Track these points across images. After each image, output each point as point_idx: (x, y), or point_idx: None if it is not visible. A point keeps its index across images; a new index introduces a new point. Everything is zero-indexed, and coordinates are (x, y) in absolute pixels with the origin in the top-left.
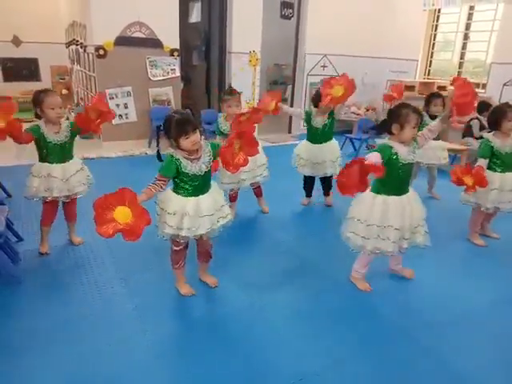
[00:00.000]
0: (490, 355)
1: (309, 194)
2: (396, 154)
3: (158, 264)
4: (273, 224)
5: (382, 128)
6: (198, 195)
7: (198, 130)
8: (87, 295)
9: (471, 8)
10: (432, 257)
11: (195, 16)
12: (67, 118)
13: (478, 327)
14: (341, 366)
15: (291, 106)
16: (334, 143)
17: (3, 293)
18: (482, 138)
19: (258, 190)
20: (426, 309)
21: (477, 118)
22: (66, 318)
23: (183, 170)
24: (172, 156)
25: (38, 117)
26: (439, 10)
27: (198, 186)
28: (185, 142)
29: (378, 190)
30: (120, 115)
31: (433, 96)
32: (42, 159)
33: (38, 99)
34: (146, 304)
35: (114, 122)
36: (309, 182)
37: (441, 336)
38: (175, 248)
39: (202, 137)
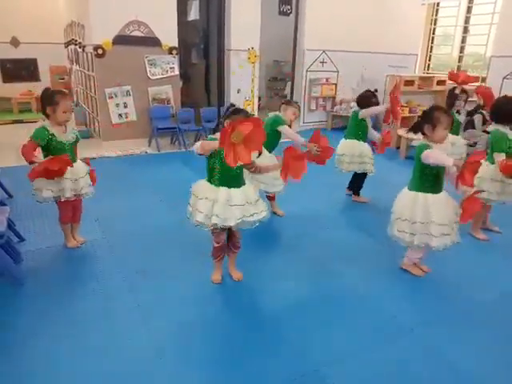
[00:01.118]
0: (493, 353)
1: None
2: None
3: (158, 262)
4: (280, 223)
5: (416, 129)
6: (230, 187)
7: None
8: (89, 294)
9: (470, 1)
10: (434, 252)
11: (193, 14)
12: None
13: (482, 324)
14: (341, 362)
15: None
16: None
17: (5, 292)
18: (484, 132)
19: (272, 195)
20: (427, 305)
21: (480, 113)
22: (67, 317)
23: (221, 155)
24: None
25: (46, 115)
26: (438, 4)
27: (230, 176)
28: None
29: (418, 189)
30: (120, 114)
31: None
32: None
33: (52, 100)
34: (148, 302)
35: (113, 121)
36: (362, 179)
37: (444, 333)
38: (216, 245)
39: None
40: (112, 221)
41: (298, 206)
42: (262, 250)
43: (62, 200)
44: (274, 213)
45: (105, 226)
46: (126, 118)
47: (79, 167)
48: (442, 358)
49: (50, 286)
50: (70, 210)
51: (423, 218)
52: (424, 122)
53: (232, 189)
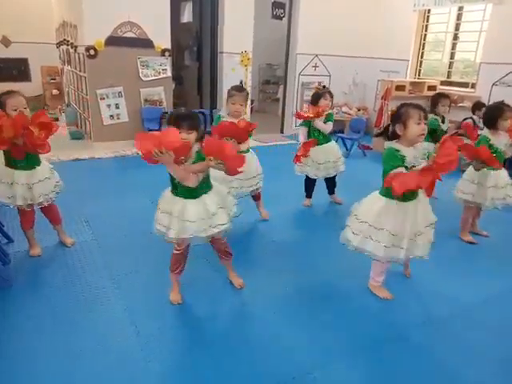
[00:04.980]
0: (482, 352)
1: (310, 195)
2: (403, 157)
3: (148, 264)
4: (267, 225)
5: (387, 133)
6: (186, 197)
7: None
8: (78, 296)
9: (460, 8)
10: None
11: (187, 16)
12: (57, 119)
13: (470, 324)
14: (332, 364)
15: (283, 105)
16: (333, 144)
17: None
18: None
19: (256, 194)
20: (417, 306)
21: (471, 118)
22: (55, 318)
23: None
24: None
25: None
26: (429, 11)
27: (187, 187)
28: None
29: (384, 194)
30: (111, 115)
31: (440, 96)
32: (8, 164)
33: (1, 102)
34: (137, 304)
35: (105, 122)
36: (310, 183)
37: (433, 334)
38: (175, 251)
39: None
40: (102, 222)
41: (278, 208)
42: (247, 252)
43: (12, 207)
44: (260, 215)
45: (94, 227)
46: (118, 118)
47: (37, 172)
48: (433, 359)
49: (39, 288)
50: (31, 216)
51: (374, 221)
52: (394, 123)
53: (189, 200)
